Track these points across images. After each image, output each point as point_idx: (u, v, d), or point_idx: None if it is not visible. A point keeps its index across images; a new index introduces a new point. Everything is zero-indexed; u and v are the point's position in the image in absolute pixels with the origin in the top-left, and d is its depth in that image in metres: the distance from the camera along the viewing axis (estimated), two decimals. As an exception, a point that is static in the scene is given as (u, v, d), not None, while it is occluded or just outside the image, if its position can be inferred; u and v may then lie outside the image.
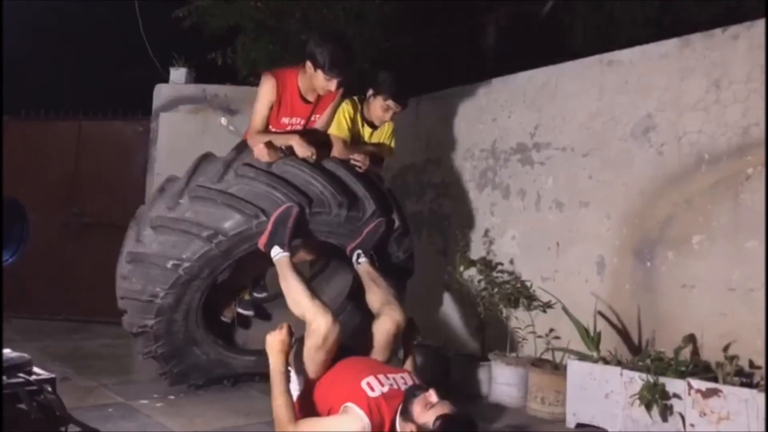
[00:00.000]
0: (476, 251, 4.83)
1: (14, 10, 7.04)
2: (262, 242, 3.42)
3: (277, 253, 3.36)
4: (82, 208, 6.62)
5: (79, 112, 6.78)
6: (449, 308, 5.06)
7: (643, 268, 3.91)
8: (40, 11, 8.11)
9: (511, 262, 4.68)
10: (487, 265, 4.67)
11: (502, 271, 4.65)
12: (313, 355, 2.93)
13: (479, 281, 4.63)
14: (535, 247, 4.54)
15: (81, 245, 6.54)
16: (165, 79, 6.54)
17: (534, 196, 4.58)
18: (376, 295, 3.41)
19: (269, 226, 3.38)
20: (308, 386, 2.96)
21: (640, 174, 3.97)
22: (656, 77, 3.94)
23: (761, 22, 3.49)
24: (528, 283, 4.48)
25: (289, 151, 3.70)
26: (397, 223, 3.90)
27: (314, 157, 3.67)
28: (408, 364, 3.34)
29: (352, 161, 3.88)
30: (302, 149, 3.67)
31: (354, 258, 3.70)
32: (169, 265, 3.48)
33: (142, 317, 3.66)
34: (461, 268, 4.75)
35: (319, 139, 3.91)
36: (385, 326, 3.21)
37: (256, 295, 4.25)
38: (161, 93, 6.44)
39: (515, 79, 4.88)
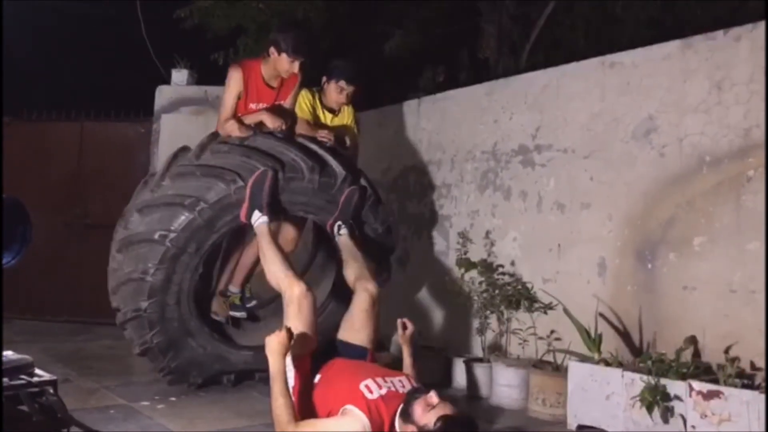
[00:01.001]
0: (477, 253, 4.83)
1: (16, 10, 7.06)
2: (243, 213, 3.58)
3: (257, 219, 3.53)
4: (84, 208, 6.64)
5: (81, 113, 6.80)
6: (450, 310, 5.06)
7: (645, 269, 3.90)
8: (41, 12, 8.13)
9: (512, 263, 4.68)
10: (488, 267, 4.67)
11: (503, 273, 4.65)
12: (294, 325, 2.99)
13: (480, 283, 4.63)
14: (536, 249, 4.54)
15: (83, 246, 6.55)
16: (167, 81, 6.55)
17: (535, 198, 4.58)
18: (352, 269, 3.57)
19: (247, 193, 3.56)
20: (306, 387, 2.96)
21: (641, 175, 3.97)
22: (658, 79, 3.93)
23: (763, 24, 3.49)
24: (529, 285, 4.48)
25: (259, 129, 3.99)
26: (369, 192, 4.04)
27: (284, 127, 3.97)
28: (407, 365, 3.34)
29: (318, 137, 4.11)
30: (272, 121, 4.00)
31: (335, 231, 3.83)
32: (156, 236, 3.61)
33: (134, 301, 3.71)
34: (462, 270, 4.76)
35: (287, 116, 4.20)
36: (359, 299, 3.36)
37: (246, 305, 4.36)
38: (163, 94, 6.45)
39: (516, 81, 4.88)
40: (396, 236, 4.51)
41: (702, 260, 3.64)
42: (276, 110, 4.15)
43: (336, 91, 4.38)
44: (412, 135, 5.62)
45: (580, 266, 4.24)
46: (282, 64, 4.02)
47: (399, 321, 3.42)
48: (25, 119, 6.81)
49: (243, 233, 4.14)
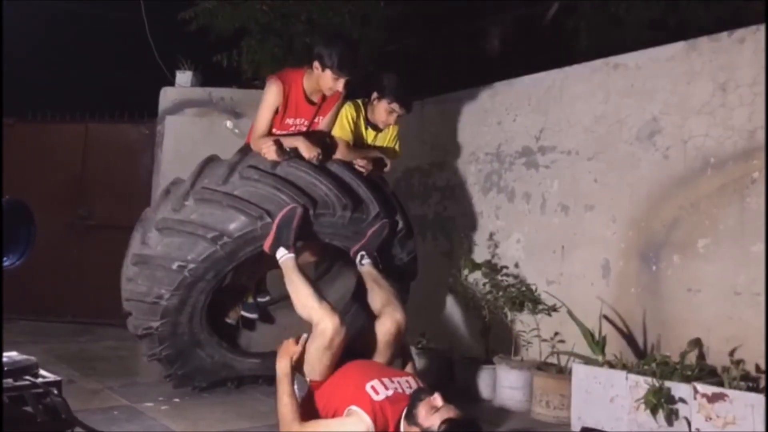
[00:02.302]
0: (481, 254, 4.82)
1: (21, 12, 7.08)
2: (267, 244, 3.43)
3: (282, 255, 3.37)
4: (88, 210, 6.65)
5: (86, 114, 6.82)
6: (454, 311, 5.05)
7: (649, 271, 3.90)
8: (46, 14, 8.14)
9: (516, 265, 4.67)
10: (492, 269, 4.66)
11: (507, 275, 4.64)
12: (320, 357, 2.93)
13: (484, 284, 4.63)
14: (540, 251, 4.53)
15: (87, 247, 6.57)
16: (171, 82, 6.56)
17: (539, 200, 4.58)
18: (378, 296, 3.42)
19: (274, 228, 3.39)
20: (313, 389, 2.97)
21: (645, 177, 3.96)
22: (662, 81, 3.93)
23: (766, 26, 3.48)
24: (533, 287, 4.47)
25: (294, 153, 3.70)
26: (400, 225, 3.91)
27: (320, 157, 3.69)
28: (408, 369, 3.33)
29: (356, 165, 3.90)
30: (308, 150, 3.67)
31: (357, 260, 3.70)
32: (174, 266, 3.49)
33: (147, 319, 3.67)
34: (466, 271, 4.75)
35: (323, 142, 3.93)
36: (385, 326, 3.22)
37: (259, 299, 4.26)
38: (167, 96, 6.45)
39: (520, 83, 4.88)
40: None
41: (706, 262, 3.63)
42: (313, 136, 3.88)
43: (386, 111, 4.06)
44: (415, 136, 5.61)
45: (584, 268, 4.24)
46: (326, 81, 3.71)
47: None
48: (30, 120, 6.83)
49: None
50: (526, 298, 4.39)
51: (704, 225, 3.66)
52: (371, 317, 3.42)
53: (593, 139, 4.28)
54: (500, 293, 4.49)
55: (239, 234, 3.44)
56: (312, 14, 6.53)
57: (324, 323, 2.94)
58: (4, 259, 2.02)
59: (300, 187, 3.53)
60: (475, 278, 4.73)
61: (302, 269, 3.36)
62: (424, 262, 5.37)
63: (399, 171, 5.72)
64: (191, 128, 6.19)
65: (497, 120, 4.95)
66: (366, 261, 3.68)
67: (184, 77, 6.47)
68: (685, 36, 3.94)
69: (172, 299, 3.56)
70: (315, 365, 2.95)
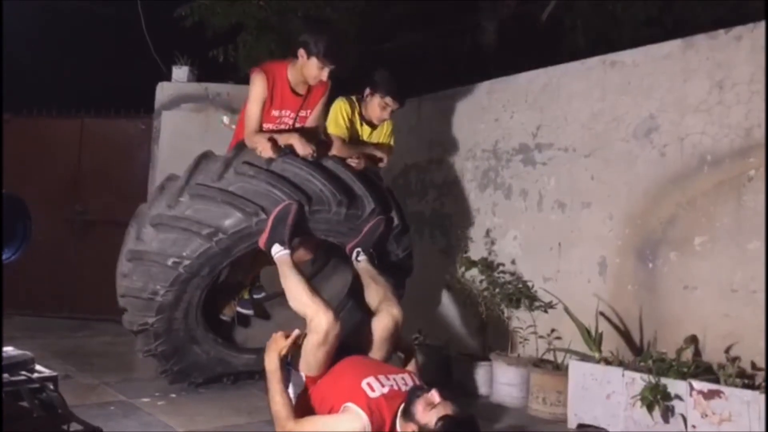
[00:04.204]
0: (478, 251, 4.83)
1: (17, 7, 7.05)
2: (262, 241, 3.43)
3: (277, 251, 3.37)
4: (84, 205, 6.63)
5: (82, 109, 6.79)
6: (451, 308, 5.06)
7: (645, 268, 3.90)
8: (42, 9, 8.12)
9: (513, 262, 4.67)
10: (488, 266, 4.67)
11: (503, 272, 4.65)
12: (314, 353, 2.93)
13: (481, 281, 4.63)
14: (536, 248, 4.54)
15: (84, 243, 6.55)
16: (167, 78, 6.54)
17: (536, 197, 4.58)
18: (375, 292, 3.43)
19: (269, 224, 3.39)
20: (309, 386, 2.96)
21: (642, 175, 3.97)
22: (659, 78, 3.93)
23: (764, 24, 3.48)
24: (530, 284, 4.48)
25: (289, 150, 3.67)
26: (396, 222, 3.92)
27: (314, 155, 3.66)
28: (411, 366, 3.33)
29: (349, 162, 3.89)
30: (302, 147, 3.64)
31: (354, 256, 3.71)
32: (170, 262, 3.48)
33: (142, 315, 3.66)
34: (463, 268, 4.76)
35: (318, 139, 3.92)
36: (383, 322, 3.23)
37: (255, 296, 4.28)
38: (163, 91, 6.43)
39: (517, 80, 4.88)
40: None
41: (703, 260, 3.64)
42: (308, 133, 3.86)
43: (380, 106, 4.08)
44: (413, 133, 5.61)
45: (581, 265, 4.24)
46: (310, 69, 3.66)
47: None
48: (26, 116, 6.81)
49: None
50: (522, 295, 4.40)
51: (701, 222, 3.66)
52: (367, 314, 3.42)
53: (590, 136, 4.28)
54: (497, 290, 4.50)
55: (234, 230, 3.44)
56: (309, 10, 6.52)
57: (318, 319, 2.94)
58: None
59: (295, 184, 3.52)
60: (472, 275, 4.74)
61: (297, 266, 3.36)
62: (422, 260, 5.38)
63: (397, 168, 5.72)
64: (188, 123, 6.18)
65: (494, 117, 4.95)
66: (362, 258, 3.68)
67: (180, 72, 6.45)
68: (682, 34, 3.94)
69: (167, 295, 3.55)
70: (310, 361, 2.94)
